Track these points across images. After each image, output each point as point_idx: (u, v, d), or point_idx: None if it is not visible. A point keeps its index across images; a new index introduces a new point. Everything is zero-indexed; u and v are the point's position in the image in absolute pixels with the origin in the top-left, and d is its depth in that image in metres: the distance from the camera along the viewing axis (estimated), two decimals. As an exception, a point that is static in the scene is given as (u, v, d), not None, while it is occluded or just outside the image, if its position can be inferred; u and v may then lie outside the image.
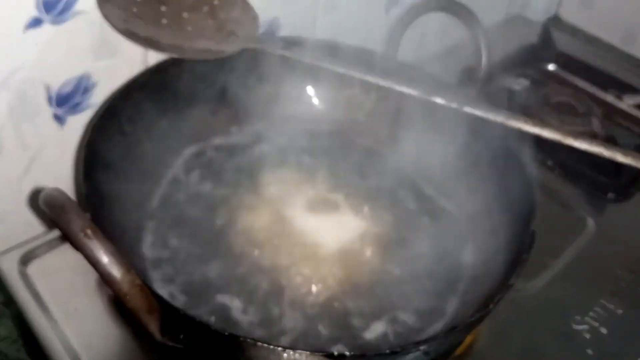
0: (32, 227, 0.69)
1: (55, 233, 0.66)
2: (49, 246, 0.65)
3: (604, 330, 0.64)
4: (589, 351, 0.62)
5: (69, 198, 0.40)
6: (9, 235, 0.67)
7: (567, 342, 0.63)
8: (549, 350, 0.62)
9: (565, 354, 0.62)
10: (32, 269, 0.63)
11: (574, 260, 0.72)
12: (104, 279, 0.38)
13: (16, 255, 0.64)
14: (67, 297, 0.61)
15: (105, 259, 0.38)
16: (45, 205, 0.40)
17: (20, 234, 0.67)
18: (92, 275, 0.61)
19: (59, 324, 0.59)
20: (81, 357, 0.56)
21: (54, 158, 0.67)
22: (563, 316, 0.66)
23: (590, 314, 0.66)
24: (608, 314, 0.66)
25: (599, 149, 0.58)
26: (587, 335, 0.64)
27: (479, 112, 0.61)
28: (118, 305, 0.60)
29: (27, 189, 0.67)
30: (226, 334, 0.41)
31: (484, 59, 0.64)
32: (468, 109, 0.61)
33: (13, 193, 0.66)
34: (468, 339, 0.62)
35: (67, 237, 0.42)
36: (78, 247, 0.38)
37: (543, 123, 0.59)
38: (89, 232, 0.38)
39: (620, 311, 0.66)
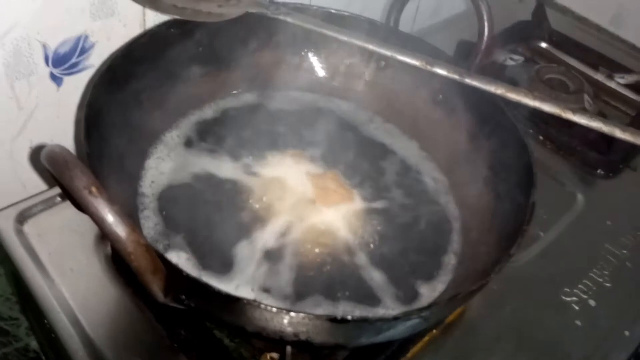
0: (25, 188, 0.69)
1: (52, 192, 0.66)
2: (46, 205, 0.65)
3: (592, 303, 0.66)
4: (578, 322, 0.64)
5: (72, 155, 0.39)
6: (3, 195, 0.66)
7: (556, 313, 0.65)
8: (539, 320, 0.64)
9: (555, 325, 0.64)
10: (29, 227, 0.63)
11: (564, 233, 0.73)
12: (109, 237, 0.38)
13: (12, 213, 0.63)
14: (64, 257, 0.61)
15: (110, 217, 0.37)
16: (47, 162, 0.39)
17: (14, 195, 0.67)
18: (89, 235, 0.62)
19: (56, 283, 0.58)
20: (78, 316, 0.56)
21: (49, 118, 0.67)
22: (552, 288, 0.67)
23: (579, 286, 0.67)
24: (597, 287, 0.67)
25: (598, 124, 0.58)
26: (576, 307, 0.65)
27: (478, 84, 0.61)
28: (115, 265, 0.60)
29: (21, 150, 0.67)
30: (229, 296, 0.41)
31: (486, 30, 0.64)
32: (468, 81, 0.62)
33: (7, 153, 0.66)
34: (459, 309, 0.63)
35: (70, 195, 0.42)
36: (82, 204, 0.38)
37: (543, 96, 0.60)
38: (94, 189, 0.37)
39: (608, 285, 0.68)
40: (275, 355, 0.58)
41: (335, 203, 0.63)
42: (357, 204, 0.64)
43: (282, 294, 0.55)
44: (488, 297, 0.64)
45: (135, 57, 0.61)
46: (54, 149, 0.39)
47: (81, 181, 0.37)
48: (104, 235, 0.38)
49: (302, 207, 0.62)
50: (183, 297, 0.44)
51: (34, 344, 0.71)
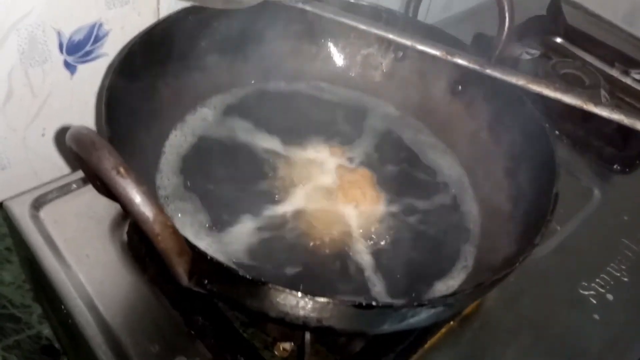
0: (37, 176, 0.69)
1: (68, 179, 0.65)
2: (62, 191, 0.65)
3: (610, 297, 0.66)
4: (596, 316, 0.64)
5: (99, 136, 0.39)
6: (16, 182, 0.66)
7: (573, 307, 0.64)
8: (556, 313, 0.64)
9: (572, 318, 0.63)
10: (44, 213, 0.62)
11: (580, 228, 0.73)
12: (136, 218, 0.37)
13: (28, 199, 0.63)
14: (80, 243, 0.60)
15: (138, 198, 0.37)
16: (74, 143, 0.39)
17: (26, 183, 0.66)
18: (104, 222, 0.62)
19: (72, 269, 0.58)
20: (95, 302, 0.56)
21: (62, 106, 0.66)
22: (569, 282, 0.67)
23: (597, 280, 0.67)
24: (614, 281, 0.67)
25: (619, 116, 0.58)
26: (594, 301, 0.65)
27: (500, 75, 0.61)
28: (131, 251, 0.60)
29: (34, 137, 0.66)
30: (254, 280, 0.41)
31: (507, 21, 0.63)
32: (489, 72, 0.61)
33: (20, 140, 0.65)
34: (476, 302, 0.62)
35: (94, 177, 0.41)
36: (110, 185, 0.37)
37: (564, 88, 0.59)
38: (122, 170, 0.37)
39: (626, 279, 0.68)
40: (287, 345, 0.58)
41: (355, 200, 0.63)
42: (379, 207, 0.64)
43: (267, 268, 0.55)
44: (505, 290, 0.64)
45: (153, 44, 0.60)
46: (80, 130, 0.39)
47: (109, 162, 0.37)
48: (130, 216, 0.38)
49: (320, 194, 0.62)
50: (206, 281, 0.43)
51: (46, 331, 0.71)
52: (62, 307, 0.56)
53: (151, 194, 0.38)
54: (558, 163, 0.54)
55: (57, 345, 0.71)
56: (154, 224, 0.38)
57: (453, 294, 0.44)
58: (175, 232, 0.39)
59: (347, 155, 0.67)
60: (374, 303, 0.41)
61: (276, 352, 0.58)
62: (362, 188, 0.64)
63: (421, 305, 0.42)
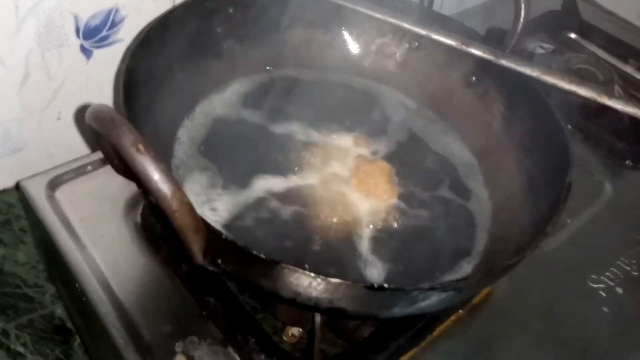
0: (52, 159, 0.69)
1: (83, 160, 0.66)
2: (77, 173, 0.66)
3: (619, 290, 0.66)
4: (605, 309, 0.64)
5: (118, 113, 0.39)
6: (32, 165, 0.67)
7: (582, 299, 0.65)
8: (565, 305, 0.64)
9: (581, 311, 0.64)
10: (60, 194, 0.63)
11: (591, 222, 0.73)
12: (154, 194, 0.38)
13: (44, 179, 0.64)
14: (95, 223, 0.61)
15: (156, 175, 0.38)
16: (94, 120, 0.39)
17: (41, 165, 0.67)
18: (119, 203, 0.63)
19: (87, 249, 0.59)
20: (109, 281, 0.57)
21: (78, 90, 0.67)
22: (579, 274, 0.67)
23: (607, 274, 0.67)
24: (624, 275, 0.67)
25: (634, 110, 0.58)
26: (603, 294, 0.65)
27: (514, 66, 0.61)
28: (145, 232, 0.61)
29: (50, 120, 0.67)
30: (267, 259, 0.42)
31: (523, 12, 0.64)
32: (504, 62, 0.62)
33: (36, 123, 0.66)
34: (486, 289, 0.63)
35: (113, 155, 0.42)
36: (129, 162, 0.38)
37: (579, 80, 0.59)
38: (141, 147, 0.38)
39: (635, 273, 0.68)
40: (296, 331, 0.58)
41: (367, 189, 0.63)
42: (391, 199, 0.64)
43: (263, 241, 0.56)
44: (514, 281, 0.64)
45: (169, 29, 0.61)
46: (101, 108, 0.39)
47: (128, 139, 0.38)
48: (148, 192, 0.38)
49: (334, 178, 0.63)
50: (220, 261, 0.44)
51: (59, 311, 0.72)
52: (77, 285, 0.57)
53: (169, 171, 0.38)
54: (572, 153, 0.54)
55: (69, 325, 0.72)
56: (172, 200, 0.38)
57: (464, 279, 0.44)
58: (192, 209, 0.39)
59: (371, 147, 0.68)
60: (386, 285, 0.41)
61: (285, 338, 0.58)
62: (377, 179, 0.64)
63: (433, 288, 0.42)
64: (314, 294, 0.43)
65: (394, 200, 0.63)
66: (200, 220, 0.40)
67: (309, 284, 0.42)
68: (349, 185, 0.62)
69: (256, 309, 0.59)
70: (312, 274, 0.41)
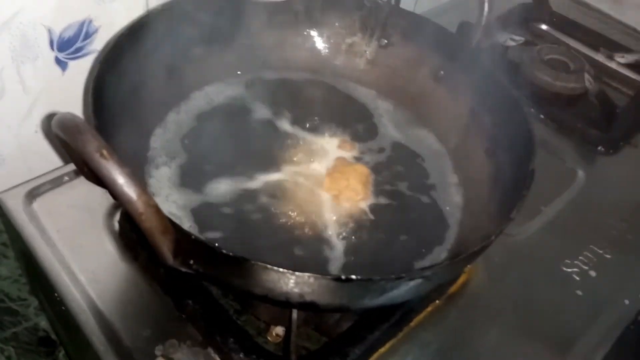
0: (31, 171, 0.70)
1: (60, 171, 0.67)
2: (54, 184, 0.66)
3: (593, 273, 0.67)
4: (579, 292, 0.65)
5: (83, 120, 0.40)
6: (10, 178, 0.67)
7: (557, 284, 0.66)
8: (540, 290, 0.65)
9: (556, 295, 0.65)
10: (38, 205, 0.64)
11: (565, 208, 0.74)
12: (120, 199, 0.39)
13: (21, 191, 0.64)
14: (73, 233, 0.62)
15: (121, 179, 0.38)
16: (59, 128, 0.40)
17: (20, 177, 0.67)
18: (97, 212, 0.63)
19: (65, 258, 0.59)
20: (87, 289, 0.57)
21: (55, 103, 0.68)
22: (553, 260, 0.68)
23: (580, 258, 0.68)
24: (597, 258, 0.68)
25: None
26: (577, 278, 0.66)
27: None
28: (123, 240, 0.61)
29: (27, 133, 0.68)
30: (237, 257, 0.42)
31: (486, 6, 0.65)
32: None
33: (14, 137, 0.67)
34: (462, 279, 0.64)
35: (80, 162, 0.43)
36: (94, 168, 0.38)
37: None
38: (105, 152, 0.38)
39: (609, 256, 0.69)
40: (280, 330, 0.59)
41: (337, 189, 0.64)
42: (362, 202, 0.64)
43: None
44: (490, 269, 0.65)
45: (140, 36, 0.61)
46: (65, 116, 0.40)
47: (92, 145, 0.38)
48: (114, 197, 0.39)
49: (309, 175, 0.64)
50: (191, 261, 0.44)
51: (43, 323, 0.72)
52: (56, 295, 0.58)
53: (134, 175, 0.39)
54: (535, 140, 0.55)
55: (53, 336, 0.72)
56: (137, 203, 0.39)
57: (430, 267, 0.45)
58: (158, 211, 0.40)
59: (354, 151, 0.69)
60: (353, 277, 0.42)
61: (269, 338, 0.59)
62: (350, 180, 0.64)
63: (399, 278, 0.43)
64: (284, 289, 0.44)
65: (366, 199, 0.64)
66: (167, 222, 0.41)
67: (278, 279, 0.43)
68: (322, 185, 0.63)
69: (240, 311, 0.60)
70: (281, 269, 0.42)
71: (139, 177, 0.58)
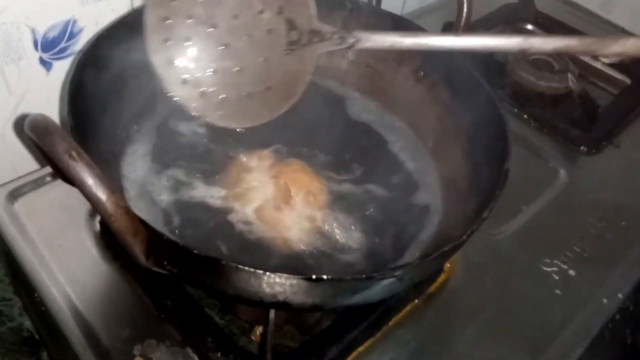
0: (16, 171, 0.70)
1: (42, 172, 0.67)
2: (36, 184, 0.66)
3: (572, 273, 0.67)
4: (557, 291, 0.65)
5: (53, 121, 0.40)
6: (-6, 178, 0.68)
7: (536, 283, 0.66)
8: (519, 290, 0.65)
9: (534, 294, 0.65)
10: (19, 206, 0.64)
11: (546, 207, 0.75)
12: (89, 200, 0.39)
13: (3, 192, 0.65)
14: (53, 233, 0.62)
15: (90, 180, 0.39)
16: (30, 129, 0.40)
17: (4, 177, 0.68)
18: (78, 213, 0.64)
19: (45, 259, 0.60)
20: (67, 290, 0.58)
21: (39, 102, 0.68)
22: (533, 259, 0.68)
23: (560, 257, 0.69)
24: (576, 258, 0.69)
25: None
26: (556, 277, 0.67)
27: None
28: (104, 240, 0.62)
29: (12, 133, 0.68)
30: (207, 257, 0.43)
31: (465, 7, 0.65)
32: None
33: (-1, 138, 0.67)
34: (441, 278, 0.64)
35: (52, 160, 0.43)
36: (63, 169, 0.39)
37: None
38: (74, 153, 0.39)
39: (587, 255, 0.69)
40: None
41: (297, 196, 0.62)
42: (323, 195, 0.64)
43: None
44: (470, 268, 0.66)
45: (119, 36, 0.61)
46: (36, 117, 0.41)
47: (61, 146, 0.39)
48: (85, 197, 0.39)
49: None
50: (165, 262, 0.45)
51: (27, 323, 0.73)
52: (36, 295, 0.58)
53: (104, 176, 0.39)
54: (510, 140, 0.55)
55: (37, 336, 0.72)
56: (107, 204, 0.39)
57: (401, 266, 0.45)
58: (128, 211, 0.40)
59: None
60: (324, 276, 0.42)
61: (252, 338, 0.59)
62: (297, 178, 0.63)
63: (370, 277, 0.43)
64: (257, 288, 0.44)
65: (328, 197, 0.64)
66: (138, 222, 0.41)
67: (249, 278, 0.43)
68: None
69: (223, 310, 0.61)
70: (251, 269, 0.42)
71: (114, 178, 0.58)
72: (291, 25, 0.58)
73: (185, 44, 0.58)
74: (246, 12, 0.58)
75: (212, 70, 0.59)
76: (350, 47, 0.57)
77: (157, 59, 0.57)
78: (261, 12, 0.58)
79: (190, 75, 0.58)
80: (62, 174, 0.44)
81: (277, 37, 0.59)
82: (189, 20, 0.57)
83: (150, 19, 0.56)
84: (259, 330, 0.60)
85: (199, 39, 0.58)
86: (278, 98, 0.60)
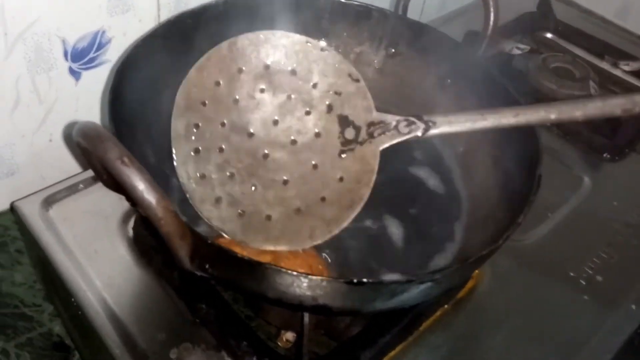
0: (45, 180, 0.71)
1: (75, 179, 0.68)
2: (70, 191, 0.68)
3: (599, 278, 0.68)
4: (585, 297, 0.66)
5: (104, 129, 0.42)
6: (25, 187, 0.69)
7: (564, 289, 0.67)
8: (547, 295, 0.66)
9: (562, 300, 0.66)
10: (54, 212, 0.65)
11: (571, 214, 0.75)
12: (140, 204, 0.40)
13: (38, 199, 0.66)
14: (88, 239, 0.63)
15: (141, 185, 0.40)
16: (81, 136, 0.42)
17: (35, 187, 0.69)
18: (112, 219, 0.65)
19: (82, 264, 0.61)
20: (103, 294, 0.59)
21: (68, 112, 0.69)
22: (560, 265, 0.69)
23: (587, 263, 0.69)
24: (603, 264, 0.69)
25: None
26: (584, 283, 0.67)
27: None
28: (138, 246, 0.63)
29: (41, 142, 0.69)
30: (252, 261, 0.44)
31: (492, 16, 0.66)
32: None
33: (28, 146, 0.68)
34: (469, 284, 0.65)
35: (101, 169, 0.44)
36: (115, 174, 0.40)
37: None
38: (125, 159, 0.40)
39: (615, 261, 0.70)
40: (290, 336, 0.60)
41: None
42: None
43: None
44: (497, 274, 0.66)
45: (154, 46, 0.62)
46: (87, 124, 0.42)
47: (114, 152, 0.40)
48: (134, 202, 0.40)
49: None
50: (207, 266, 0.46)
51: (57, 328, 0.73)
52: (73, 301, 0.59)
53: (154, 181, 0.41)
54: (541, 146, 0.56)
55: (67, 341, 0.73)
56: (157, 208, 0.40)
57: (440, 270, 0.46)
58: (176, 216, 0.41)
59: None
60: (364, 280, 0.43)
61: (279, 344, 0.60)
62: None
63: (410, 281, 0.44)
64: (298, 292, 0.45)
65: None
66: (185, 227, 0.42)
67: (292, 282, 0.44)
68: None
69: (250, 316, 0.61)
70: (295, 273, 0.43)
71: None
72: (345, 122, 0.53)
73: (218, 155, 0.52)
74: (289, 116, 0.54)
75: (251, 184, 0.53)
76: (423, 135, 0.52)
77: (183, 172, 0.52)
78: (307, 113, 0.54)
79: (224, 192, 0.52)
80: (106, 180, 0.45)
81: (328, 139, 0.53)
82: (222, 128, 0.53)
83: (177, 126, 0.52)
84: (285, 336, 0.61)
85: (232, 150, 0.52)
86: (336, 208, 0.53)
